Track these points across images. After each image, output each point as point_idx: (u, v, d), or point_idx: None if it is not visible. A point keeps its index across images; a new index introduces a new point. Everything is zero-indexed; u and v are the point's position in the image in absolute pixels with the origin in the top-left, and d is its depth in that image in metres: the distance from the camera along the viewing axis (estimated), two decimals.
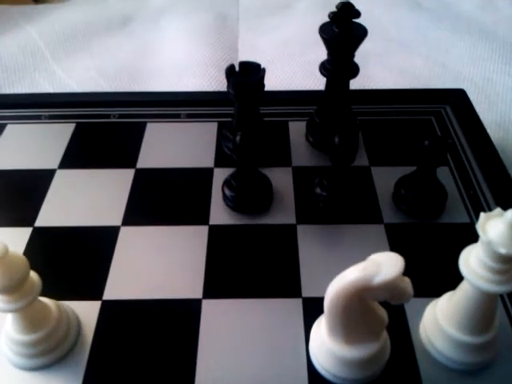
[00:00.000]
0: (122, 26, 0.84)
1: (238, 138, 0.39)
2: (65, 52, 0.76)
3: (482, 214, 0.28)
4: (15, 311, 0.31)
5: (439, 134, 0.51)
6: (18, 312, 0.31)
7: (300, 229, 0.42)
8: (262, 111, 0.49)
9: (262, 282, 0.38)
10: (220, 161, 0.48)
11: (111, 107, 0.54)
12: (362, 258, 0.28)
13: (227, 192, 0.43)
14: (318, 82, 0.66)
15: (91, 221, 0.43)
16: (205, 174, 0.47)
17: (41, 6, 0.90)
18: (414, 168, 0.42)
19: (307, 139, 0.50)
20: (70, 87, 0.68)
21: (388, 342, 0.33)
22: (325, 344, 0.32)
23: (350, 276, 0.27)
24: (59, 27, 0.81)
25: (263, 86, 0.44)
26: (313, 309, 0.36)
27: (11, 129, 0.52)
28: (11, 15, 0.85)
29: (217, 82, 0.69)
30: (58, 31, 0.80)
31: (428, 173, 0.41)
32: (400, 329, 0.35)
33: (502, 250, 0.27)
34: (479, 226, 0.28)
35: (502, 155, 0.48)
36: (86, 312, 0.36)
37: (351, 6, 0.42)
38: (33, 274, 0.31)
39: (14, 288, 0.29)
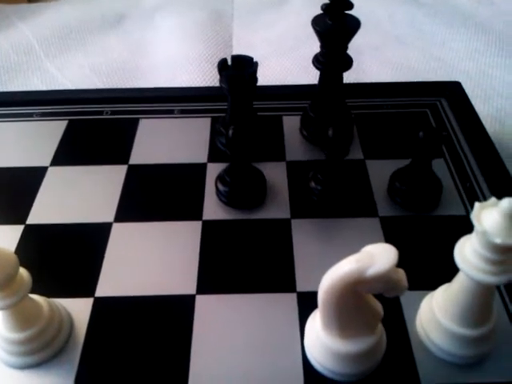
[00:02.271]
0: (115, 24, 0.83)
1: (230, 132, 0.39)
2: (58, 50, 0.76)
3: (477, 204, 0.28)
4: (5, 309, 0.30)
5: (434, 126, 0.50)
6: (8, 310, 0.31)
7: (294, 223, 0.41)
8: (255, 106, 0.48)
9: (256, 277, 0.38)
10: (213, 156, 0.48)
11: (103, 104, 0.53)
12: (357, 251, 0.28)
13: (221, 187, 0.43)
14: (312, 78, 0.65)
15: (83, 218, 0.42)
16: (198, 170, 0.46)
17: (34, 5, 0.90)
18: (409, 161, 0.42)
19: (301, 133, 0.50)
20: (63, 85, 0.68)
21: (384, 336, 0.32)
22: (320, 338, 0.31)
23: (344, 268, 0.27)
24: (53, 25, 0.81)
25: (256, 79, 0.43)
26: (307, 303, 0.35)
27: (2, 127, 0.52)
28: (5, 14, 0.85)
29: (211, 79, 0.68)
30: (51, 29, 0.80)
31: (423, 165, 0.41)
32: (396, 322, 0.35)
33: (498, 240, 0.26)
34: (474, 216, 0.27)
35: (497, 148, 0.48)
36: (79, 309, 0.36)
37: None
38: (22, 271, 0.31)
39: (3, 285, 0.29)
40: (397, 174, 0.43)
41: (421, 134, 0.38)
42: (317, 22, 0.42)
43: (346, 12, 0.42)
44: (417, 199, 0.42)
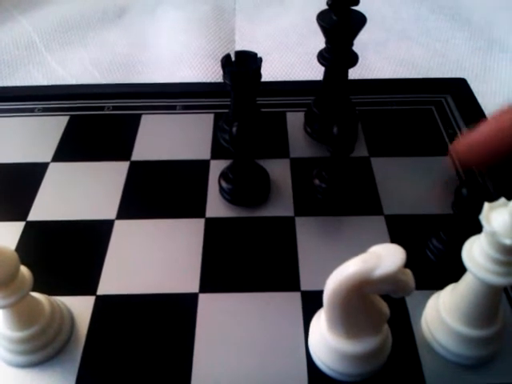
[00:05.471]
0: (117, 18, 0.82)
1: (234, 128, 0.38)
2: (59, 44, 0.75)
3: (486, 204, 0.27)
4: (6, 307, 0.30)
5: (439, 123, 0.50)
6: (9, 308, 0.31)
7: (298, 221, 0.41)
8: (259, 102, 0.48)
9: (259, 276, 0.37)
10: (216, 153, 0.47)
11: (105, 99, 0.53)
12: (362, 250, 0.27)
13: (224, 184, 0.42)
14: (316, 73, 0.64)
15: (85, 214, 0.42)
16: (201, 166, 0.46)
17: None
18: (414, 158, 0.41)
19: (305, 130, 0.49)
20: (64, 80, 0.67)
21: (389, 336, 0.32)
22: (324, 338, 0.31)
23: (350, 269, 0.26)
24: (53, 19, 0.80)
25: (260, 75, 0.43)
26: (312, 302, 0.35)
27: (3, 122, 0.51)
28: (5, 7, 0.84)
29: (213, 74, 0.67)
30: (52, 23, 0.79)
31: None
32: (401, 322, 0.35)
33: (507, 241, 0.26)
34: (483, 217, 0.27)
35: None
36: (80, 307, 0.36)
37: None
38: (23, 269, 0.31)
39: (4, 284, 0.29)
40: None
41: (464, 190, 0.35)
42: (322, 18, 0.42)
43: (352, 8, 0.41)
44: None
